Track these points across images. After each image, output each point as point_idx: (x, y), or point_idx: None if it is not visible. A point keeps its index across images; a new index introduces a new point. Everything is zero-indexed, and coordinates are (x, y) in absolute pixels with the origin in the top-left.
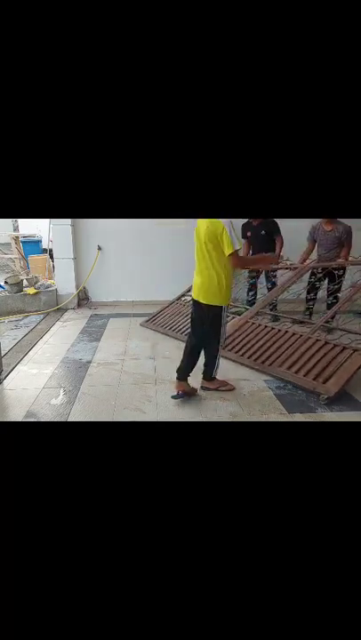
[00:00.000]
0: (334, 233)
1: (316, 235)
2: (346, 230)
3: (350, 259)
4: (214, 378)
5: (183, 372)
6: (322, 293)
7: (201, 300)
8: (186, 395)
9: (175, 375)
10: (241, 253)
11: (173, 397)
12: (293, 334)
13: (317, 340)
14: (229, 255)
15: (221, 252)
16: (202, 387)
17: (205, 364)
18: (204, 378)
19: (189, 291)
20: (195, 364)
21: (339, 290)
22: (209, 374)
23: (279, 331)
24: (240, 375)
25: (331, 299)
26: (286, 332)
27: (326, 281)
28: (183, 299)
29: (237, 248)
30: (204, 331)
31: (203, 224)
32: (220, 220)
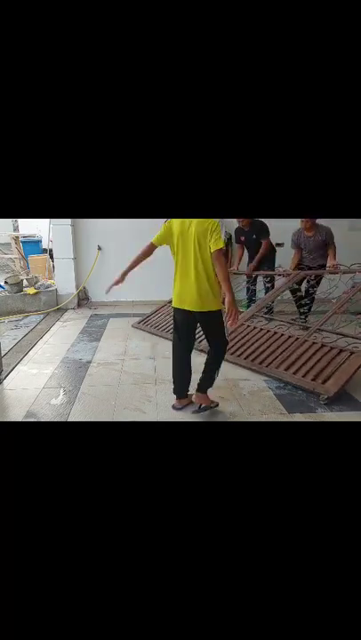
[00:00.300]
0: (317, 237)
1: (300, 240)
2: (328, 232)
3: (340, 266)
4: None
5: (182, 390)
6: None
7: (193, 309)
8: (188, 405)
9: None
10: (236, 257)
11: (174, 408)
12: (290, 337)
13: (314, 343)
14: (216, 250)
15: (208, 251)
16: (195, 402)
17: (204, 371)
18: (198, 390)
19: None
20: (190, 376)
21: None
22: (206, 386)
23: (275, 333)
24: (240, 375)
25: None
26: (282, 334)
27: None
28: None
29: (222, 247)
30: (190, 339)
31: (190, 224)
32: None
